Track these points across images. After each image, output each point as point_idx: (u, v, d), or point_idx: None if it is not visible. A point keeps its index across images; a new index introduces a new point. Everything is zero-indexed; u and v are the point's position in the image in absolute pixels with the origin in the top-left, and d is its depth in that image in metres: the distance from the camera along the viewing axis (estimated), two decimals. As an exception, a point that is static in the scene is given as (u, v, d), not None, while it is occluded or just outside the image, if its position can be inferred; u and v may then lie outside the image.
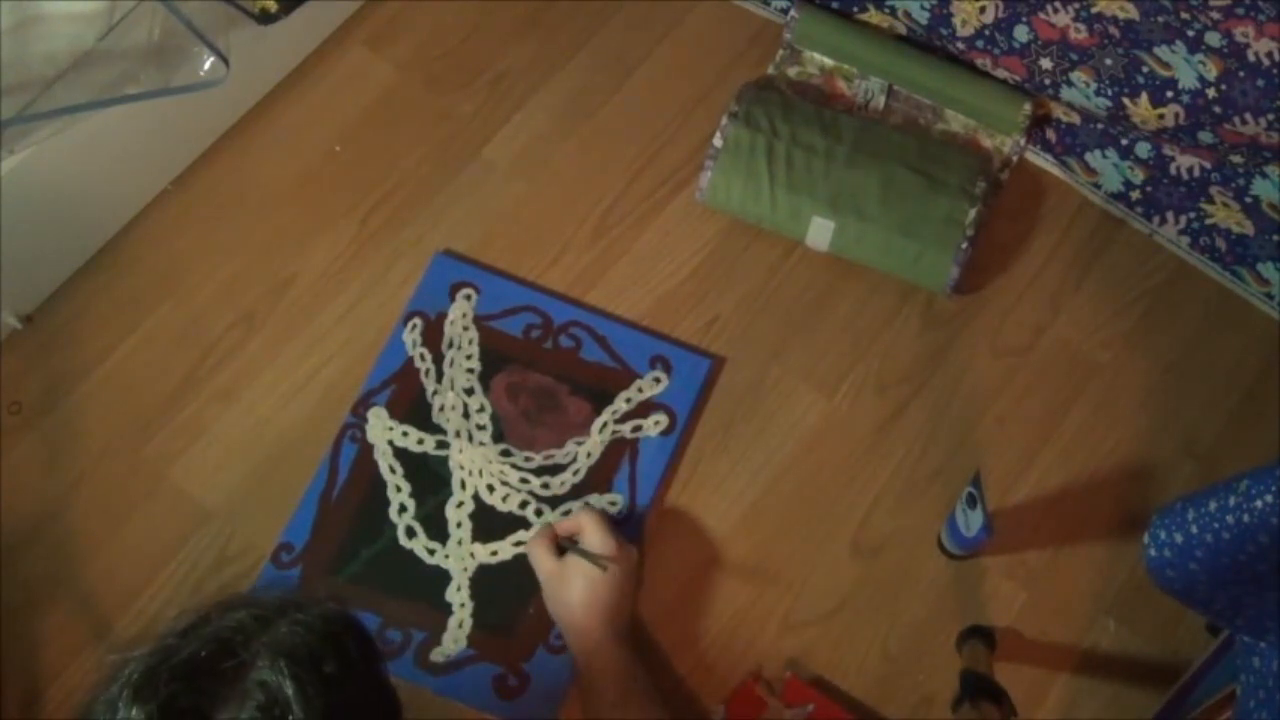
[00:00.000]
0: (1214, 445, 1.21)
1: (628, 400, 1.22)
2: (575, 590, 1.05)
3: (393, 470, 1.19)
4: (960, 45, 1.30)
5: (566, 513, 1.16)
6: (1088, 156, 1.33)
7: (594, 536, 1.08)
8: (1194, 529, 0.87)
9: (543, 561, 1.09)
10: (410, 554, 1.16)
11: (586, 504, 1.16)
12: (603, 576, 1.05)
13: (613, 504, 1.17)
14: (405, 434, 1.20)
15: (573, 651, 1.06)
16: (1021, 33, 1.26)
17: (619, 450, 1.20)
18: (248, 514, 1.18)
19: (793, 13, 1.36)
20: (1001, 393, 1.24)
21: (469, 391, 1.23)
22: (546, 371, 1.23)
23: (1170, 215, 1.30)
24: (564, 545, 1.09)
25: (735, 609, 1.15)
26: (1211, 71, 1.17)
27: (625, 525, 1.16)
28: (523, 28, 1.43)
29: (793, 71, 1.38)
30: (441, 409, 1.22)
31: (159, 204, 1.33)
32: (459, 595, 1.14)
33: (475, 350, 1.24)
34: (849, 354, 1.26)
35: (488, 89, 1.40)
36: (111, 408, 1.23)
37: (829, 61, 1.38)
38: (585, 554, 1.06)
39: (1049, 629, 1.14)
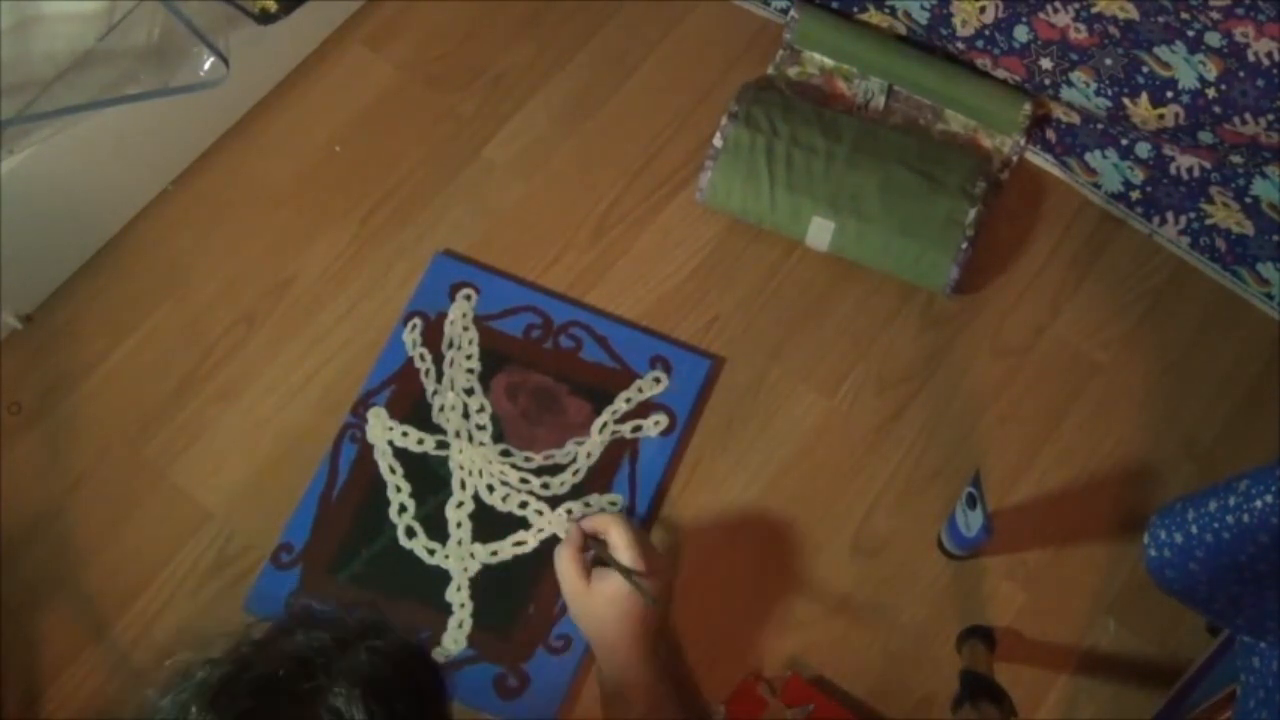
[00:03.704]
0: (1214, 445, 1.21)
1: (628, 400, 1.22)
2: (602, 608, 0.93)
3: (393, 470, 1.19)
4: (960, 45, 1.30)
5: (569, 512, 1.16)
6: (1088, 156, 1.33)
7: (622, 552, 0.95)
8: (1194, 529, 0.87)
9: (570, 578, 0.96)
10: (410, 554, 1.16)
11: (616, 512, 0.98)
12: (631, 593, 0.93)
13: (612, 504, 1.17)
14: (405, 434, 1.20)
15: (599, 664, 0.96)
16: (1021, 33, 1.26)
17: (619, 450, 1.20)
18: (248, 514, 1.18)
19: (793, 13, 1.36)
20: (1001, 393, 1.24)
21: (469, 391, 1.23)
22: (546, 371, 1.23)
23: (1170, 215, 1.30)
24: (599, 556, 0.95)
25: (735, 609, 1.15)
26: (1211, 71, 1.17)
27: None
28: (523, 28, 1.43)
29: (793, 71, 1.38)
30: (441, 409, 1.22)
31: (159, 204, 1.33)
32: (459, 595, 1.14)
33: (475, 350, 1.24)
34: (849, 354, 1.26)
35: (488, 89, 1.40)
36: (111, 408, 1.23)
37: (829, 61, 1.38)
38: (620, 569, 0.93)
39: (1049, 629, 1.14)
